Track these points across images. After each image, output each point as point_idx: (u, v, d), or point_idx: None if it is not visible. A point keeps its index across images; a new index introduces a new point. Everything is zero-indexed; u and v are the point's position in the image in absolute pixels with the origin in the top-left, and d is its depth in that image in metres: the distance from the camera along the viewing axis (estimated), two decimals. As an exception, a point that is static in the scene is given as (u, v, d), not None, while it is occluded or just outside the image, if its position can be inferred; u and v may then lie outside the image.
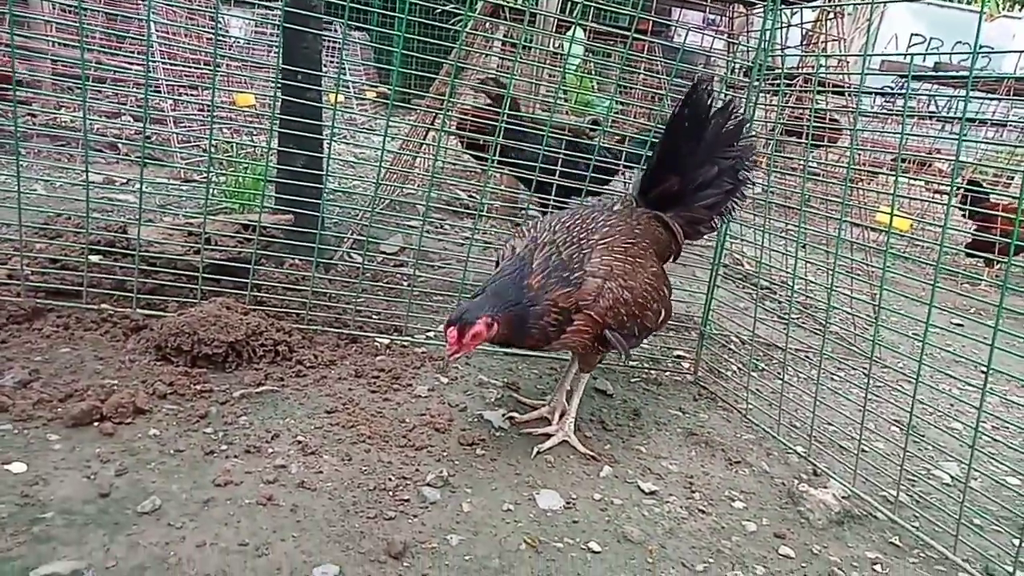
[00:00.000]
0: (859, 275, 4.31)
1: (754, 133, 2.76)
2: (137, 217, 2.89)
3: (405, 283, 3.75)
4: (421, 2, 2.91)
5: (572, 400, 2.56)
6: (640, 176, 2.73)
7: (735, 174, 2.66)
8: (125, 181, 5.02)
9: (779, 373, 3.21)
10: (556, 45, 5.96)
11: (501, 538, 1.95)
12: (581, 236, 2.35)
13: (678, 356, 3.57)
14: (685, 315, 4.03)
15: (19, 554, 1.60)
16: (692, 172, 2.61)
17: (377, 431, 2.35)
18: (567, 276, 2.22)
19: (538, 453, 2.41)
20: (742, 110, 2.66)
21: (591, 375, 2.71)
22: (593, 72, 7.82)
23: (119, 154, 6.00)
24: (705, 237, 2.88)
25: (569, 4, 5.29)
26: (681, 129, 2.54)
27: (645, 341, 3.58)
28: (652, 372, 3.32)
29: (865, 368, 2.60)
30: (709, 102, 2.51)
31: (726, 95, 4.18)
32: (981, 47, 2.21)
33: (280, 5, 3.07)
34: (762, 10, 3.25)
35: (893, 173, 2.90)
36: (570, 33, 5.72)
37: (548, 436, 2.49)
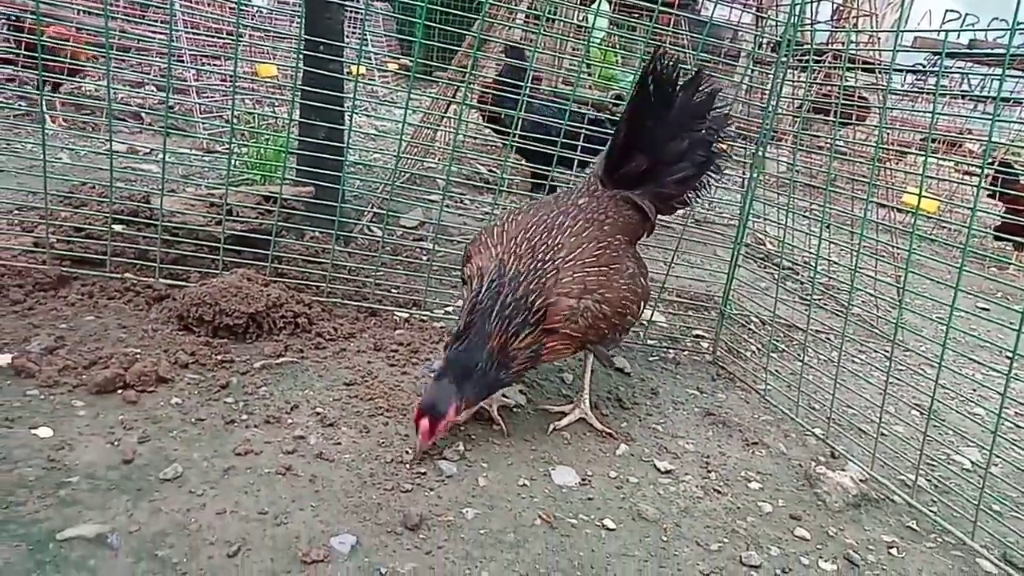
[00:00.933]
0: (884, 257, 4.25)
1: (726, 103, 2.65)
2: (160, 187, 2.91)
3: (424, 257, 3.76)
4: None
5: (584, 376, 2.56)
6: (605, 155, 2.61)
7: (708, 147, 2.56)
8: (148, 151, 5.06)
9: (799, 354, 3.18)
10: (580, 18, 5.88)
11: (516, 513, 1.97)
12: (546, 254, 2.23)
13: (697, 335, 3.55)
14: (705, 295, 4.00)
15: (46, 516, 1.64)
16: (661, 149, 2.51)
17: (395, 404, 2.37)
18: (526, 317, 2.13)
19: (554, 430, 2.41)
20: (712, 81, 2.56)
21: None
22: (617, 46, 7.70)
23: (142, 124, 6.03)
24: (727, 217, 2.84)
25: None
26: (646, 105, 2.44)
27: (663, 320, 3.58)
28: (670, 351, 3.31)
29: (887, 351, 2.57)
30: (675, 74, 2.41)
31: (752, 70, 4.11)
32: (1019, 24, 2.14)
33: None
34: (792, -16, 3.17)
35: (922, 153, 2.84)
36: (595, 6, 5.64)
37: (564, 413, 2.50)
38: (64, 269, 2.82)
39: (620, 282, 2.31)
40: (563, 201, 2.49)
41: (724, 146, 2.63)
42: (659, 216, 2.67)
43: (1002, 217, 5.80)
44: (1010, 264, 6.14)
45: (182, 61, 6.25)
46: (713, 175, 2.65)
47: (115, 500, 1.73)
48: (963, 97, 8.23)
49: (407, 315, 3.11)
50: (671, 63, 2.39)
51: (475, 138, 6.13)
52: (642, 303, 2.46)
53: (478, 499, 2.00)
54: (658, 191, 2.58)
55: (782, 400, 2.94)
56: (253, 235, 3.15)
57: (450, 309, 3.27)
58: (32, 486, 1.72)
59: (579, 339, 2.24)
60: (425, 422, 2.03)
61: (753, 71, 4.40)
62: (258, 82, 6.56)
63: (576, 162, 3.30)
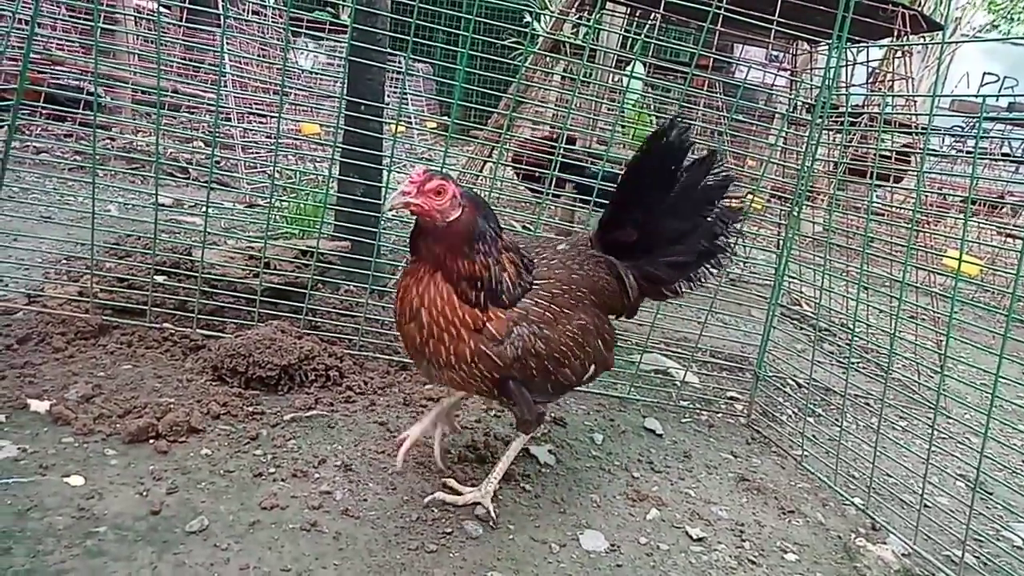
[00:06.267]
0: (924, 321, 4.15)
1: (741, 194, 2.44)
2: (202, 239, 2.99)
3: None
4: (483, 37, 2.96)
5: (500, 463, 2.22)
6: (603, 213, 2.42)
7: (713, 237, 2.35)
8: (193, 204, 5.22)
9: (837, 419, 3.10)
10: (615, 80, 5.99)
11: (542, 578, 1.92)
12: None
13: (731, 398, 3.48)
14: (740, 355, 3.94)
15: (71, 567, 1.64)
16: (655, 226, 2.31)
17: (423, 460, 2.35)
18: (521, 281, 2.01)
19: (428, 504, 2.13)
20: (728, 167, 2.36)
21: (530, 438, 2.34)
22: (652, 107, 7.81)
23: (189, 178, 6.24)
24: (762, 277, 2.79)
25: (629, 40, 5.32)
26: (645, 175, 2.27)
27: (696, 381, 3.52)
28: (703, 413, 3.25)
29: (929, 418, 2.48)
30: (686, 145, 2.21)
31: (787, 131, 4.12)
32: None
33: (346, 38, 3.16)
34: (827, 47, 3.20)
35: (962, 216, 2.80)
36: (630, 68, 5.74)
37: (459, 494, 2.19)
38: (106, 318, 2.90)
39: (567, 327, 2.08)
40: (544, 241, 2.38)
41: (731, 240, 2.41)
42: (645, 297, 2.45)
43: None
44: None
45: (229, 119, 6.49)
46: (712, 270, 2.43)
47: (140, 552, 1.73)
48: (1003, 160, 8.13)
49: (437, 370, 3.10)
50: (681, 133, 2.19)
51: (510, 196, 6.21)
52: (589, 364, 2.21)
53: (503, 563, 1.95)
54: (647, 270, 2.37)
55: (820, 467, 2.85)
56: (289, 288, 3.20)
57: (480, 365, 3.26)
58: (60, 535, 1.73)
59: (501, 369, 1.96)
60: (421, 172, 1.84)
61: (788, 132, 4.41)
62: (300, 139, 6.76)
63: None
